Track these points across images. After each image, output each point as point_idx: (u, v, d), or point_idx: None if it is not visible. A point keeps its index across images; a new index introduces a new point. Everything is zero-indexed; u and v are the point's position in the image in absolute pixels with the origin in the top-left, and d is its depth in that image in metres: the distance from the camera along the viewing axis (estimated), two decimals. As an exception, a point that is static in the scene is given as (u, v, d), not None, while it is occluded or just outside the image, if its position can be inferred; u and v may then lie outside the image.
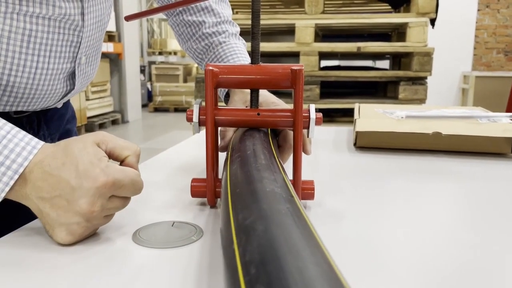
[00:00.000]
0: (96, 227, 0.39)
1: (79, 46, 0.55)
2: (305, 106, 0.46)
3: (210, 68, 0.44)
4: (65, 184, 0.36)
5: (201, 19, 0.69)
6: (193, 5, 0.69)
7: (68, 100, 0.69)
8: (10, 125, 0.39)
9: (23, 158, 0.37)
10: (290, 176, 0.47)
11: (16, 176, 0.37)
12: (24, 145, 0.38)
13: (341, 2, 2.52)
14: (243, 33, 0.72)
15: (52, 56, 0.52)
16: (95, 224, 0.38)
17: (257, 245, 0.22)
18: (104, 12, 0.57)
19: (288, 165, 0.48)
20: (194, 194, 0.47)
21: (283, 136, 0.52)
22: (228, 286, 0.21)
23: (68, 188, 0.36)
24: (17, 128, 0.39)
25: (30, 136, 0.39)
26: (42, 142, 0.39)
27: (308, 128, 0.45)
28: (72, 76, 0.57)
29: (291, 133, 0.52)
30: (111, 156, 0.41)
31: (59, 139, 0.67)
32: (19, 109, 0.53)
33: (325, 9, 2.35)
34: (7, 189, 0.37)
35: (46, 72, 0.52)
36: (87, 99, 4.93)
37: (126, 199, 0.40)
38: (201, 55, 0.71)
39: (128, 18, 0.52)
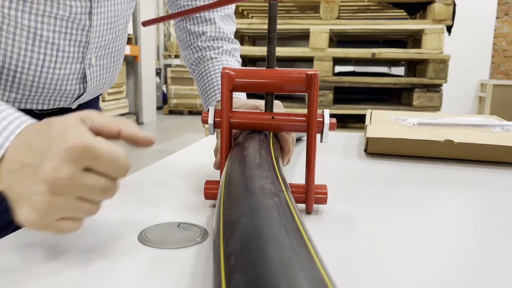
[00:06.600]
0: (67, 211, 0.32)
1: (88, 47, 0.54)
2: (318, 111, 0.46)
3: (227, 71, 0.45)
4: (35, 151, 0.31)
5: (202, 31, 0.70)
6: (197, 15, 0.70)
7: (98, 101, 0.70)
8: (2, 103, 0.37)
9: (10, 132, 0.33)
10: (302, 181, 0.47)
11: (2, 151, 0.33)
12: (13, 119, 0.35)
13: (356, 8, 2.51)
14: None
15: (59, 56, 0.52)
16: (63, 202, 0.31)
17: (239, 237, 0.23)
18: (118, 13, 0.57)
19: (301, 170, 0.48)
20: (208, 196, 0.48)
21: (280, 138, 0.52)
22: (213, 276, 0.22)
23: (37, 154, 0.31)
24: (9, 106, 0.37)
25: (21, 114, 0.36)
26: (32, 120, 0.35)
27: (321, 133, 0.46)
28: (85, 78, 0.57)
29: (289, 135, 0.52)
30: (100, 133, 0.35)
31: None
32: (28, 107, 0.53)
33: (340, 14, 2.34)
34: None
35: (53, 72, 0.52)
36: (103, 100, 5.01)
37: (107, 180, 0.33)
38: (193, 66, 0.72)
39: (146, 23, 0.52)
